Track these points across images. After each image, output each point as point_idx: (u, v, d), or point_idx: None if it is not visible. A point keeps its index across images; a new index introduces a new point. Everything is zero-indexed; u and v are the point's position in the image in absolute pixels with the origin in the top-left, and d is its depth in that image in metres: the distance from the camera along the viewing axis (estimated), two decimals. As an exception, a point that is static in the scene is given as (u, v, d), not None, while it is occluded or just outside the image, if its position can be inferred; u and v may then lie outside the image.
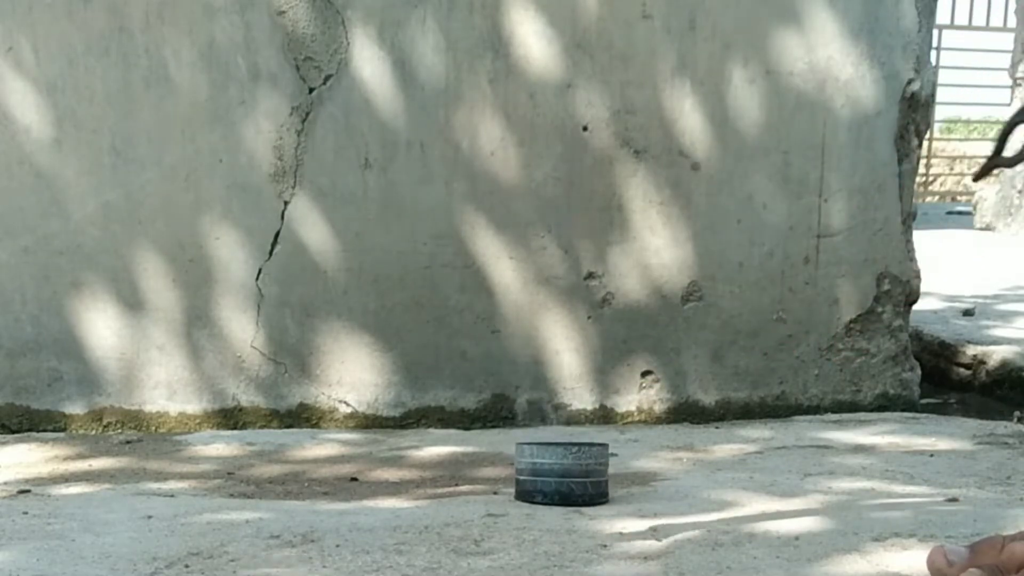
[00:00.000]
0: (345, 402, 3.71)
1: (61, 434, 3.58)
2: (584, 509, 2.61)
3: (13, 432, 3.59)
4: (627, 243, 3.76)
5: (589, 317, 3.77)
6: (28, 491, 2.85)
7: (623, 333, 3.80)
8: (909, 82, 3.82)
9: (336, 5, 3.56)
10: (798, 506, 2.60)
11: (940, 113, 13.22)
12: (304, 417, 3.70)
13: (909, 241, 3.93)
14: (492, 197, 3.69)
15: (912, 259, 3.93)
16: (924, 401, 4.10)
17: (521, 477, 2.71)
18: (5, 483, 2.96)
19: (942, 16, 11.32)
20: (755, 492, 2.77)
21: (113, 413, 3.63)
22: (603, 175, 3.73)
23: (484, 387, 3.76)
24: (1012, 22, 10.37)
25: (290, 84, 3.57)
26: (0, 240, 3.56)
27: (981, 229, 9.54)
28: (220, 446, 3.41)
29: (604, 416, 3.81)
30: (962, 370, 4.56)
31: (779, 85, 3.76)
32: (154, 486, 2.93)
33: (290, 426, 3.67)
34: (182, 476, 3.06)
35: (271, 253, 3.62)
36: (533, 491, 2.66)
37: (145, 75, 3.53)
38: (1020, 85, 9.21)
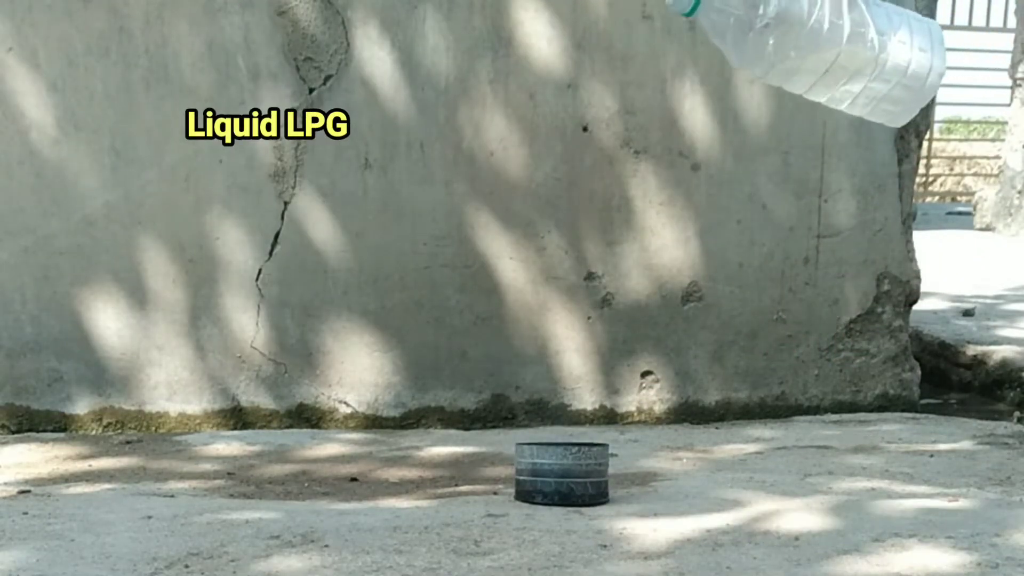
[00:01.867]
0: (345, 402, 3.71)
1: (61, 434, 3.58)
2: (584, 509, 2.61)
3: (13, 432, 3.59)
4: (627, 243, 3.76)
5: (589, 317, 3.78)
6: (28, 491, 2.85)
7: (623, 333, 3.80)
8: (909, 82, 3.81)
9: (336, 5, 3.56)
10: (798, 506, 2.60)
11: (940, 113, 13.26)
12: (304, 417, 3.70)
13: (909, 241, 3.93)
14: (492, 197, 3.69)
15: (912, 259, 3.94)
16: (924, 401, 4.10)
17: (521, 477, 2.71)
18: (5, 483, 2.96)
19: (942, 16, 11.34)
20: (755, 492, 2.77)
21: (113, 413, 3.64)
22: (603, 175, 3.73)
23: (484, 387, 3.76)
24: (1012, 22, 10.38)
25: (290, 84, 3.58)
26: (0, 240, 3.56)
27: (981, 229, 9.55)
28: (220, 446, 3.42)
29: (604, 416, 3.82)
30: (962, 370, 4.56)
31: (779, 85, 3.75)
32: (154, 486, 2.93)
33: (290, 426, 3.68)
34: (182, 476, 3.06)
35: (271, 253, 3.63)
36: (533, 491, 2.66)
37: (145, 75, 3.53)
38: (1020, 85, 9.22)
